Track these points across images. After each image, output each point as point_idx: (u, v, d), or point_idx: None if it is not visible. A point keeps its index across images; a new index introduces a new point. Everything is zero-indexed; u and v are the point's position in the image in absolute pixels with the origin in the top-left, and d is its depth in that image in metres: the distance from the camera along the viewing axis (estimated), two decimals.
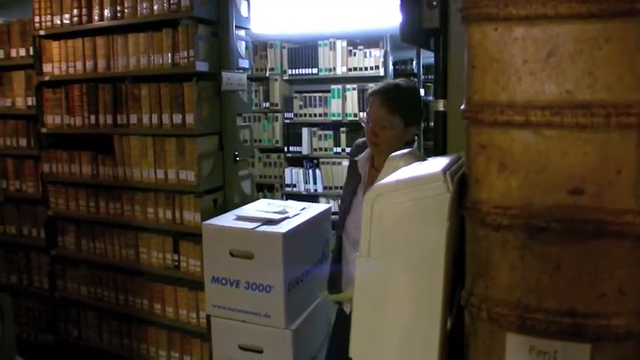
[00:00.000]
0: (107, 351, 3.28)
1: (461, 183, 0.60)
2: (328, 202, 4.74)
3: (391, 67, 5.14)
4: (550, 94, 0.51)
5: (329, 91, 4.96)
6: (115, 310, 3.23)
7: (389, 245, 0.59)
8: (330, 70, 5.05)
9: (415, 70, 6.90)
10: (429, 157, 0.84)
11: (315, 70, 5.02)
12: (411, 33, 1.04)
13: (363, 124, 2.00)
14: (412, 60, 6.94)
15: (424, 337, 0.59)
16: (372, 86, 5.04)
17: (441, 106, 0.95)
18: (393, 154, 0.81)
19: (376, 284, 0.61)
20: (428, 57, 7.74)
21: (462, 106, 0.58)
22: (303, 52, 5.08)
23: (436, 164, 0.65)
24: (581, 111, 0.50)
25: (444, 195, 0.57)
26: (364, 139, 2.11)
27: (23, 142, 3.51)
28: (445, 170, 0.60)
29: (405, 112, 1.86)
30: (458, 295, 0.60)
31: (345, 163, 4.96)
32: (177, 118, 2.87)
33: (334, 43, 5.05)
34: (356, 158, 2.06)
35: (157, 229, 3.01)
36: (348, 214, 2.05)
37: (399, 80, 1.97)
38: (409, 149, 0.91)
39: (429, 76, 8.15)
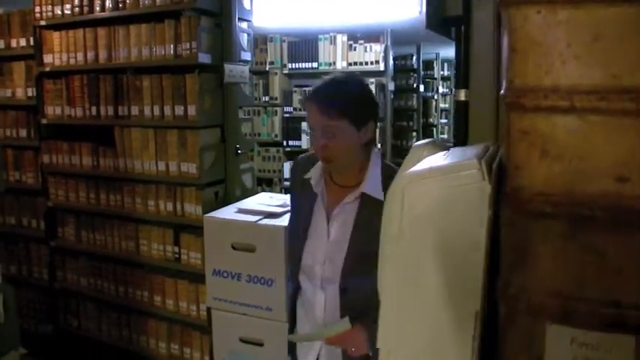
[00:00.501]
0: (106, 342, 3.27)
1: (494, 172, 0.58)
2: None
3: (391, 62, 5.12)
4: (596, 78, 0.50)
5: None
6: (114, 302, 3.21)
7: (421, 233, 0.58)
8: (330, 64, 5.03)
9: (415, 66, 6.91)
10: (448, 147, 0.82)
11: (315, 65, 5.00)
12: (436, 20, 1.02)
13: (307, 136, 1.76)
14: (412, 55, 6.92)
15: (457, 329, 0.57)
16: (372, 81, 5.07)
17: (462, 95, 0.94)
18: (417, 143, 0.79)
19: (406, 273, 0.59)
20: (427, 53, 7.73)
21: (502, 91, 0.57)
22: (303, 46, 5.05)
23: (467, 152, 0.64)
24: (627, 96, 0.49)
25: (479, 183, 0.56)
26: (308, 153, 1.83)
27: (23, 132, 3.47)
28: (479, 158, 0.59)
29: (353, 113, 1.51)
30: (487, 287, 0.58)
31: None
32: (179, 110, 2.85)
33: (334, 37, 5.02)
34: (306, 176, 1.69)
35: (157, 221, 2.99)
36: (305, 244, 1.67)
37: (335, 75, 1.61)
38: (431, 139, 0.88)
39: (429, 72, 8.15)
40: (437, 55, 8.20)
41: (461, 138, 0.96)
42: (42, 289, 3.53)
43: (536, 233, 0.52)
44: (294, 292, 1.77)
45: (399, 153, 6.69)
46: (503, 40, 0.59)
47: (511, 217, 0.55)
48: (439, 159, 0.64)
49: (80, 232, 3.30)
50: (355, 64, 4.97)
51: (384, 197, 0.77)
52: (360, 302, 1.51)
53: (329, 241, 1.62)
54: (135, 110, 2.98)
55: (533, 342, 0.53)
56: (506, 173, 0.57)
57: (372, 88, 4.95)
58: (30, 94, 3.41)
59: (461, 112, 0.94)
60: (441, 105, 8.90)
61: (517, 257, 0.55)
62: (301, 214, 1.70)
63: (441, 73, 8.69)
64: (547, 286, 0.52)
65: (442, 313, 0.57)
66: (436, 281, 0.57)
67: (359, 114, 1.51)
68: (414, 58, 6.90)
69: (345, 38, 4.98)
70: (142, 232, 3.05)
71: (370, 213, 1.52)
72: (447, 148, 0.76)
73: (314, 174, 1.67)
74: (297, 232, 1.72)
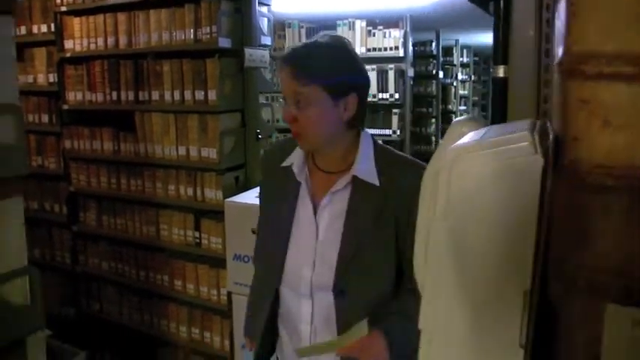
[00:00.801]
0: (128, 326, 3.30)
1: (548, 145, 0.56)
2: None
3: (411, 48, 5.07)
4: None
5: None
6: (135, 286, 3.23)
7: (468, 209, 0.55)
8: None
9: (434, 52, 6.84)
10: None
11: None
12: None
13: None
14: (431, 41, 6.85)
15: (505, 308, 0.55)
16: (391, 67, 5.02)
17: (501, 72, 0.91)
18: (456, 119, 0.74)
19: (451, 251, 0.57)
20: (447, 39, 7.65)
21: (557, 59, 0.54)
22: (322, 31, 5.02)
23: (512, 127, 0.62)
24: None
25: (531, 156, 0.53)
26: (286, 137, 1.60)
27: (45, 118, 3.50)
28: (531, 131, 0.56)
29: (327, 79, 1.26)
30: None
31: None
32: (199, 95, 2.84)
33: (353, 23, 4.98)
34: (285, 164, 1.42)
35: (178, 206, 3.00)
36: (287, 245, 1.38)
37: (317, 38, 1.34)
38: (469, 115, 0.85)
39: (448, 58, 8.06)
40: (456, 41, 8.10)
41: (498, 116, 0.93)
42: (64, 272, 3.57)
43: (596, 208, 0.49)
44: (271, 308, 1.43)
45: (418, 140, 6.64)
46: (559, 4, 0.56)
47: (568, 192, 0.52)
48: (483, 133, 0.62)
49: (101, 216, 3.32)
50: (374, 49, 4.93)
51: (421, 182, 0.72)
52: (360, 307, 1.30)
53: (318, 237, 1.35)
54: (155, 95, 2.98)
55: (591, 324, 0.50)
56: (562, 146, 0.54)
57: (391, 74, 4.91)
58: (51, 79, 3.43)
59: (499, 89, 0.92)
60: (460, 92, 8.80)
61: (574, 234, 0.53)
62: (281, 208, 1.41)
63: (461, 59, 8.60)
64: (607, 265, 0.49)
65: (490, 292, 0.55)
66: (484, 258, 0.55)
67: (335, 81, 1.26)
68: (434, 44, 6.84)
69: (363, 24, 4.94)
70: (162, 217, 3.06)
71: (364, 199, 1.32)
72: (487, 125, 0.73)
73: (296, 160, 1.40)
74: (274, 231, 1.42)
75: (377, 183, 1.31)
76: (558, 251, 0.54)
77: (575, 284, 0.51)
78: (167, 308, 3.12)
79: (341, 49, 1.31)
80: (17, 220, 1.71)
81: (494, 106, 0.96)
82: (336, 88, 1.26)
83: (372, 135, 1.42)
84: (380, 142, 1.44)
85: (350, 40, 4.94)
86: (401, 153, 1.44)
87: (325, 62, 1.27)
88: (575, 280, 0.51)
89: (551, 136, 0.55)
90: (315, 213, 1.36)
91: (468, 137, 0.62)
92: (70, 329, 3.35)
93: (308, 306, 1.35)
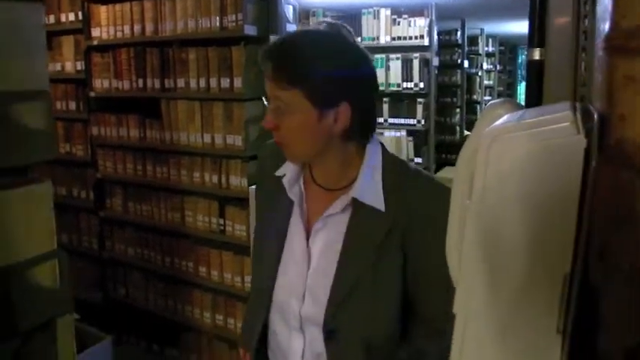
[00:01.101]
0: (153, 311, 3.35)
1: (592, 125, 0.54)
2: None
3: (436, 37, 5.01)
4: None
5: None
6: (160, 272, 3.28)
7: (507, 190, 0.54)
8: (373, 39, 4.96)
9: (459, 41, 6.75)
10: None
11: (358, 39, 4.92)
12: None
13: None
14: (457, 30, 6.75)
15: (544, 291, 0.54)
16: (416, 56, 4.97)
17: (536, 54, 0.89)
18: (492, 102, 0.71)
19: (489, 234, 0.56)
20: (472, 28, 7.54)
21: (604, 34, 0.53)
22: (346, 20, 4.97)
23: (550, 109, 0.60)
24: None
25: (573, 136, 0.52)
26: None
27: (73, 105, 3.54)
28: (572, 111, 0.55)
29: (309, 84, 1.00)
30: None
31: (389, 134, 4.88)
32: (224, 82, 2.84)
33: (378, 11, 4.93)
34: (279, 173, 1.18)
35: (203, 193, 3.02)
36: (276, 272, 1.16)
37: (316, 24, 1.10)
38: (505, 98, 0.83)
39: (473, 48, 7.95)
40: (481, 30, 7.98)
41: (533, 100, 0.91)
42: (92, 258, 3.63)
43: None
44: (261, 338, 1.23)
45: (442, 130, 6.57)
46: None
47: (613, 173, 0.51)
48: (522, 114, 0.60)
49: (127, 203, 3.37)
50: (399, 38, 4.88)
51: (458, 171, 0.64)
52: (355, 350, 1.08)
53: (310, 267, 1.13)
54: (181, 83, 3.00)
55: (633, 310, 0.49)
56: (606, 125, 0.53)
57: (416, 63, 4.86)
58: (79, 67, 3.47)
59: (534, 73, 0.89)
60: (485, 82, 8.68)
61: (619, 217, 0.51)
62: (271, 227, 1.19)
63: (486, 49, 8.47)
64: None
65: (528, 275, 0.54)
66: (522, 241, 0.54)
67: (320, 87, 1.00)
68: (459, 33, 6.74)
69: (388, 12, 4.89)
70: (187, 204, 3.09)
71: (365, 227, 1.07)
72: (523, 107, 0.71)
73: (289, 170, 1.16)
74: (264, 253, 1.21)
75: (382, 208, 1.06)
76: (600, 234, 0.53)
77: (618, 268, 0.49)
78: (191, 294, 3.16)
79: (334, 44, 1.04)
80: (47, 204, 1.73)
81: (529, 90, 0.94)
82: (321, 97, 1.01)
83: (383, 145, 1.16)
84: (392, 153, 1.16)
85: (374, 28, 4.83)
86: (421, 170, 1.15)
87: (310, 62, 1.00)
88: (617, 264, 0.49)
89: (595, 116, 0.53)
90: (307, 238, 1.13)
91: (505, 119, 0.61)
92: (98, 314, 3.42)
93: (299, 340, 1.14)
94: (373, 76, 1.10)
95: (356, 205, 1.08)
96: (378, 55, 4.81)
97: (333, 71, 1.01)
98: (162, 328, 3.34)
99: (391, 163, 1.12)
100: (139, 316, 3.44)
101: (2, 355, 1.47)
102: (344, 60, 1.03)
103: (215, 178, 2.94)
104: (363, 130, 1.09)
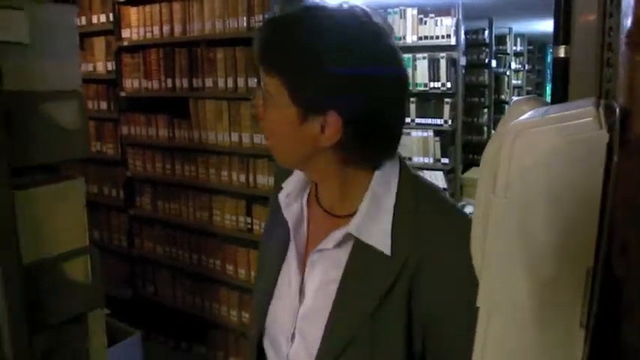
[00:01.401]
0: (180, 308, 3.40)
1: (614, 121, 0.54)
2: None
3: (463, 37, 4.97)
4: None
5: None
6: (188, 270, 3.33)
7: (531, 185, 0.55)
8: (400, 38, 4.93)
9: (487, 41, 6.67)
10: None
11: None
12: None
13: None
14: (484, 30, 6.68)
15: (567, 285, 0.54)
16: (443, 56, 4.93)
17: (562, 52, 0.89)
18: (517, 98, 0.71)
19: (512, 227, 0.57)
20: (500, 27, 7.44)
21: (626, 29, 0.53)
22: None
23: (575, 105, 0.60)
24: None
25: (596, 132, 0.52)
26: None
27: (104, 105, 3.63)
28: (596, 106, 0.55)
29: (293, 75, 0.80)
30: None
31: (415, 134, 4.85)
32: (252, 82, 2.88)
33: (404, 10, 4.91)
34: (283, 185, 0.98)
35: (230, 192, 3.06)
36: (269, 303, 0.97)
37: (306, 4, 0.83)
38: (531, 95, 0.82)
39: (501, 47, 7.85)
40: (509, 29, 7.87)
41: (558, 97, 0.91)
42: (121, 255, 3.71)
43: None
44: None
45: (470, 130, 6.52)
46: None
47: (635, 167, 0.51)
48: (548, 109, 0.61)
49: (156, 201, 3.43)
50: (425, 38, 4.85)
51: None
52: None
53: (301, 305, 0.93)
54: (209, 82, 3.04)
55: None
56: (629, 120, 0.53)
57: (443, 62, 4.83)
58: (109, 68, 3.55)
59: (559, 70, 0.89)
60: (514, 82, 8.56)
61: (639, 211, 0.52)
62: (271, 243, 1.00)
63: (514, 48, 8.35)
64: None
65: (550, 269, 0.54)
66: (545, 235, 0.54)
67: (303, 83, 0.79)
68: (486, 32, 6.66)
69: (415, 12, 4.87)
70: (215, 203, 3.13)
71: (366, 273, 0.85)
72: (548, 104, 0.71)
73: (291, 185, 0.96)
74: (261, 282, 1.01)
75: (387, 251, 0.83)
76: (622, 228, 0.53)
77: (639, 263, 0.50)
78: (219, 292, 3.20)
79: (340, 33, 0.78)
80: (79, 200, 1.79)
81: (555, 87, 0.94)
82: (304, 96, 0.80)
83: (406, 167, 0.90)
84: (420, 181, 0.90)
85: (400, 28, 4.81)
86: (454, 207, 0.89)
87: (297, 48, 0.78)
88: (638, 258, 0.50)
89: (617, 111, 0.54)
90: (302, 271, 0.93)
91: (529, 114, 0.61)
92: (127, 310, 3.48)
93: None
94: (392, 88, 0.84)
95: (357, 241, 0.86)
96: (404, 55, 4.78)
97: (325, 67, 0.77)
98: (190, 325, 3.39)
99: (409, 196, 0.86)
100: (167, 313, 3.49)
101: (36, 344, 1.52)
102: (347, 57, 0.78)
103: (242, 177, 2.98)
104: (365, 150, 0.85)
